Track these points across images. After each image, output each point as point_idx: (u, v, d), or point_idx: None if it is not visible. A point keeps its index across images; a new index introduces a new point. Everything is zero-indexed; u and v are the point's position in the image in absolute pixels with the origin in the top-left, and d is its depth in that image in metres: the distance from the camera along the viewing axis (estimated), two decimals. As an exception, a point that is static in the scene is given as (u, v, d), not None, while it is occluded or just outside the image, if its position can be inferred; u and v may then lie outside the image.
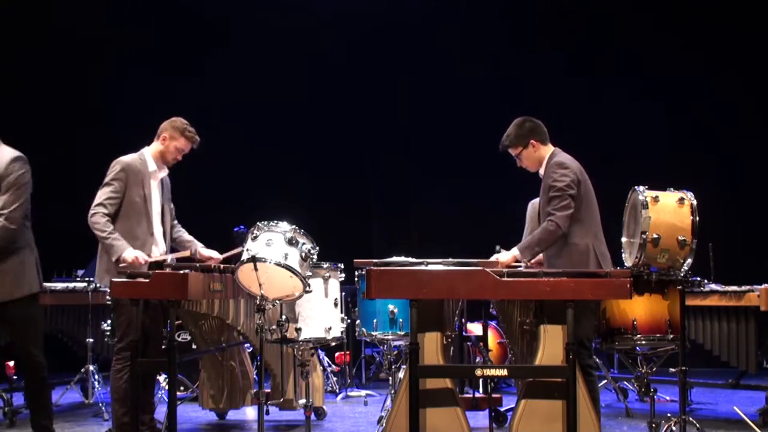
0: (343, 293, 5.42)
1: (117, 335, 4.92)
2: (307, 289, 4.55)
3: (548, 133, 4.87)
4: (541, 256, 4.75)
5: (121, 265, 4.68)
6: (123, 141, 5.32)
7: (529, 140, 4.79)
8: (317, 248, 4.57)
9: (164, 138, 5.06)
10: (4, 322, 4.73)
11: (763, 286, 5.63)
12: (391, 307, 5.26)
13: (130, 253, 4.72)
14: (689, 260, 4.67)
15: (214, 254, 5.15)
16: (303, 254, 4.48)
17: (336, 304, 5.17)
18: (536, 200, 5.64)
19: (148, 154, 5.06)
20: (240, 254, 4.64)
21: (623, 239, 4.93)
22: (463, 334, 6.58)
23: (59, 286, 6.72)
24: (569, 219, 4.54)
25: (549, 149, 4.82)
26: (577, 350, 4.16)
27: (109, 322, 6.49)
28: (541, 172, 4.84)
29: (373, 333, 5.33)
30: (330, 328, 5.09)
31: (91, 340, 6.65)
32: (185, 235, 5.28)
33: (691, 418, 4.89)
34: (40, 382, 4.74)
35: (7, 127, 4.75)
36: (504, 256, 4.59)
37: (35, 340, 4.72)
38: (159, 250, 5.02)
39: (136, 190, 4.91)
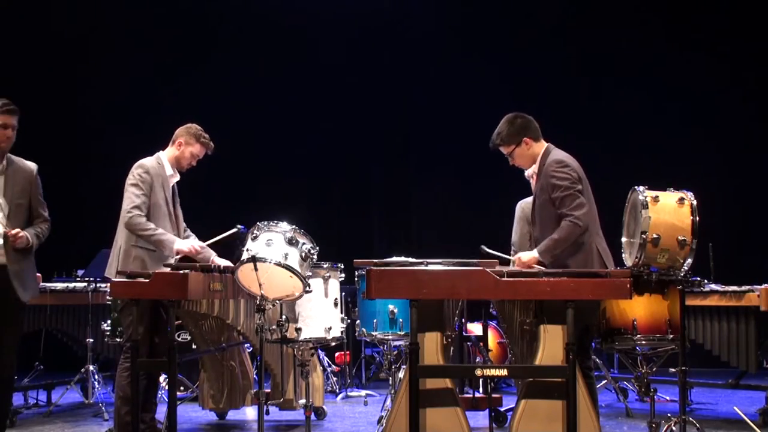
0: (343, 293, 5.42)
1: (125, 335, 4.93)
2: (307, 289, 4.55)
3: (549, 132, 4.79)
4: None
5: (177, 256, 4.76)
6: (123, 143, 5.32)
7: (522, 138, 4.65)
8: (317, 248, 4.57)
9: (180, 144, 5.11)
10: (15, 322, 4.73)
11: (763, 286, 5.63)
12: (391, 307, 5.25)
13: (183, 244, 4.82)
14: (689, 260, 4.66)
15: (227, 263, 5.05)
16: (303, 254, 4.48)
17: (336, 304, 5.17)
18: (524, 201, 5.62)
19: (165, 158, 5.11)
20: (233, 237, 4.66)
21: (623, 239, 4.92)
22: (463, 334, 6.58)
23: (59, 286, 6.72)
24: (587, 215, 4.45)
25: (542, 146, 4.69)
26: (577, 351, 4.15)
27: (109, 322, 6.50)
28: (534, 168, 4.75)
29: (373, 333, 5.32)
30: (330, 328, 5.09)
31: (91, 340, 6.65)
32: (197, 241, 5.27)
33: (691, 418, 4.88)
34: (9, 383, 4.79)
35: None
36: (526, 256, 4.49)
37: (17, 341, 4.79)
38: None
39: (159, 193, 4.96)
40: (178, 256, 4.80)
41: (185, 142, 5.10)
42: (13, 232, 4.54)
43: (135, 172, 4.95)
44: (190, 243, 4.89)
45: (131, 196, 4.87)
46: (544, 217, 4.61)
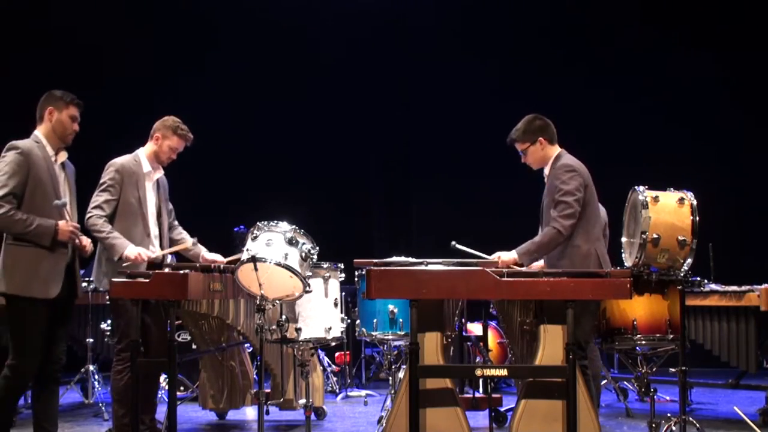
0: (343, 293, 5.43)
1: (116, 336, 4.93)
2: (307, 289, 4.56)
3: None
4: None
5: (124, 264, 4.67)
6: (121, 143, 5.32)
7: (538, 137, 4.77)
8: (317, 248, 4.57)
9: (157, 138, 5.07)
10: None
11: (763, 286, 5.64)
12: (391, 307, 5.26)
13: (132, 250, 4.71)
14: (689, 260, 4.67)
15: (217, 257, 5.08)
16: (303, 254, 4.48)
17: (336, 304, 5.17)
18: None
19: (143, 154, 5.07)
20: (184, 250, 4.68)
21: (623, 239, 4.93)
22: (463, 334, 6.58)
23: (59, 286, 6.71)
24: (573, 226, 4.53)
25: (555, 150, 4.80)
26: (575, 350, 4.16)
27: (109, 322, 6.49)
28: (546, 171, 4.83)
29: (373, 333, 5.33)
30: (330, 328, 5.09)
31: (91, 340, 6.65)
32: (188, 237, 5.25)
33: (691, 418, 4.89)
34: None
35: (6, 131, 4.76)
36: (506, 256, 4.56)
37: None
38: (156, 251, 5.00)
39: (131, 192, 4.92)
40: (135, 264, 4.69)
41: (162, 136, 5.06)
42: (86, 242, 4.56)
43: (105, 172, 4.94)
44: (137, 250, 4.73)
45: (95, 197, 4.87)
46: (548, 218, 4.67)
